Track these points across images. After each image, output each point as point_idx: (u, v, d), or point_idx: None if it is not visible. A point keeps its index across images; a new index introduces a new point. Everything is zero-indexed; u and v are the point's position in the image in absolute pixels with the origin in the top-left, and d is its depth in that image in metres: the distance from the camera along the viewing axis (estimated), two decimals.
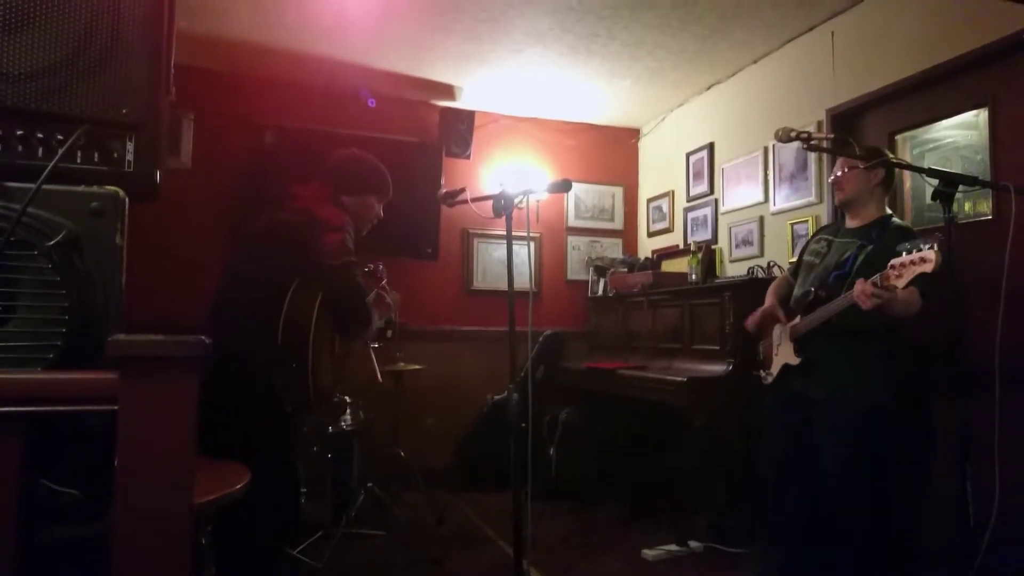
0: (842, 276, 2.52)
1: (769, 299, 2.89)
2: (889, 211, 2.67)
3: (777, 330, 2.79)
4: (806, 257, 2.82)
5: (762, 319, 2.80)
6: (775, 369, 2.76)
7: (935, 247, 2.08)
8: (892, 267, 2.17)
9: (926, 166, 2.31)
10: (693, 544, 3.38)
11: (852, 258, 2.54)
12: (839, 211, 2.90)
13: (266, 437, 2.22)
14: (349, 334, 2.56)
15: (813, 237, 2.89)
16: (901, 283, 2.14)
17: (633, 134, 5.58)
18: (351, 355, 2.84)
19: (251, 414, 2.16)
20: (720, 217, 4.51)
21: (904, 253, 2.15)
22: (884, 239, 2.49)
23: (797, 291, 2.77)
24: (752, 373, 2.98)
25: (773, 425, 2.81)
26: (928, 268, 2.07)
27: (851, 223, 2.69)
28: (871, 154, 2.59)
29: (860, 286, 2.26)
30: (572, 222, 5.42)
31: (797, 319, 2.66)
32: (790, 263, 3.65)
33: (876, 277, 2.23)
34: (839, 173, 2.66)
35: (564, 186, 2.25)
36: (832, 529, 2.53)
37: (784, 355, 2.70)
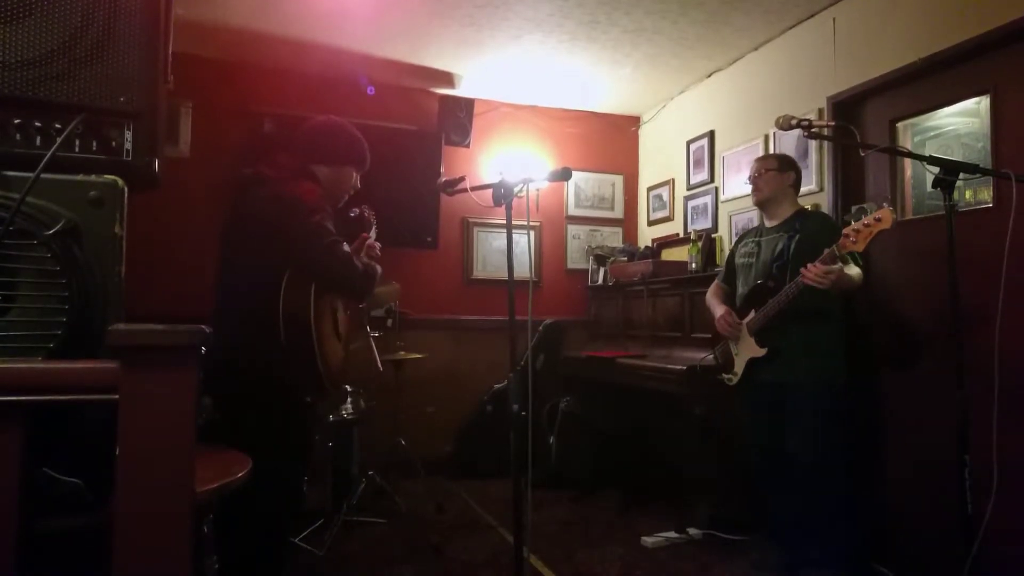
0: (783, 265, 2.70)
1: (716, 304, 3.03)
2: (801, 205, 2.93)
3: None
4: (738, 260, 3.00)
5: (732, 321, 2.88)
6: (739, 367, 2.85)
7: (886, 206, 2.26)
8: (846, 235, 2.32)
9: (927, 154, 2.30)
10: (692, 531, 3.40)
11: (786, 248, 2.74)
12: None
13: (283, 427, 2.21)
14: (355, 302, 2.53)
15: (739, 242, 3.08)
16: (860, 247, 2.31)
17: (633, 122, 5.55)
18: (357, 326, 2.80)
19: (267, 406, 2.14)
20: (720, 205, 4.50)
21: (853, 221, 2.31)
22: (807, 226, 2.74)
23: (742, 289, 2.92)
24: (716, 377, 3.06)
25: (750, 420, 2.94)
26: (885, 226, 2.24)
27: (771, 223, 2.92)
28: (783, 162, 2.89)
29: (812, 270, 2.43)
30: (572, 211, 5.41)
31: (751, 314, 2.77)
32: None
33: (832, 247, 2.39)
34: (755, 176, 2.90)
35: (564, 175, 2.24)
36: (817, 514, 2.61)
37: (747, 350, 2.79)
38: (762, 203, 2.93)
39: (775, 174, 2.85)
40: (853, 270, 2.56)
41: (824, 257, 2.42)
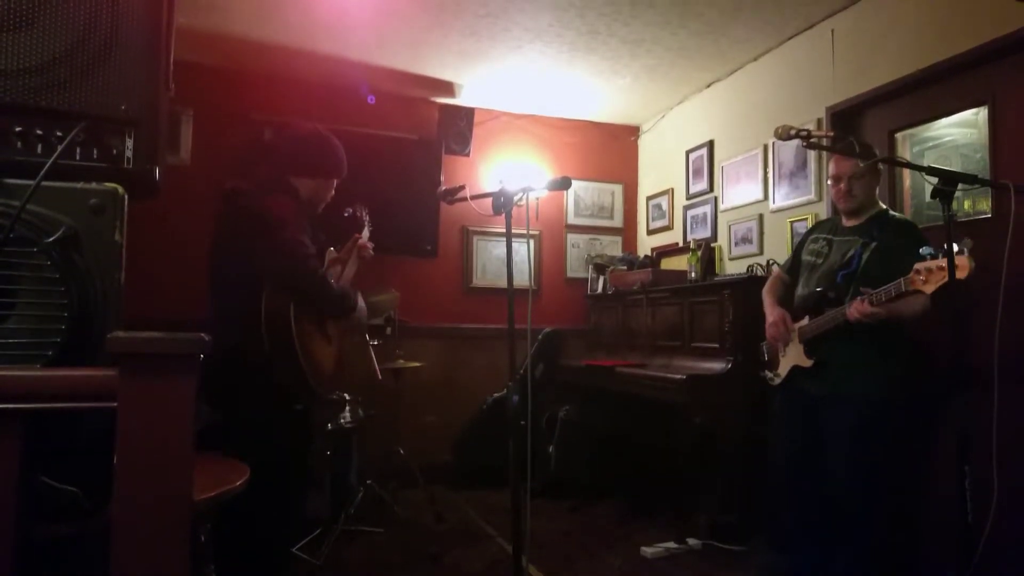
0: (850, 275, 2.51)
1: (770, 305, 2.84)
2: (883, 205, 2.68)
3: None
4: (805, 256, 2.80)
5: (785, 329, 2.70)
6: (783, 371, 2.74)
7: (967, 252, 2.00)
8: (918, 272, 2.14)
9: (925, 164, 2.30)
10: (692, 542, 3.39)
11: (857, 256, 2.54)
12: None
13: (277, 435, 2.22)
14: (338, 319, 2.53)
15: (810, 236, 2.86)
16: (929, 288, 2.12)
17: (633, 131, 5.57)
18: (352, 332, 2.79)
19: (260, 411, 2.16)
20: (719, 215, 4.51)
21: (929, 257, 2.11)
22: (886, 235, 2.50)
23: (801, 290, 2.75)
24: (758, 373, 2.95)
25: (782, 426, 2.79)
26: (962, 275, 2.00)
27: (849, 221, 2.68)
28: (865, 151, 2.51)
29: (856, 307, 2.29)
30: (572, 220, 5.42)
31: (805, 320, 2.63)
32: (774, 264, 3.67)
33: (899, 281, 2.20)
34: (843, 186, 2.60)
35: (564, 183, 2.25)
36: (835, 528, 2.53)
37: (793, 357, 2.67)
38: (855, 209, 2.65)
39: (869, 180, 2.60)
40: (915, 302, 2.33)
41: (887, 289, 2.24)
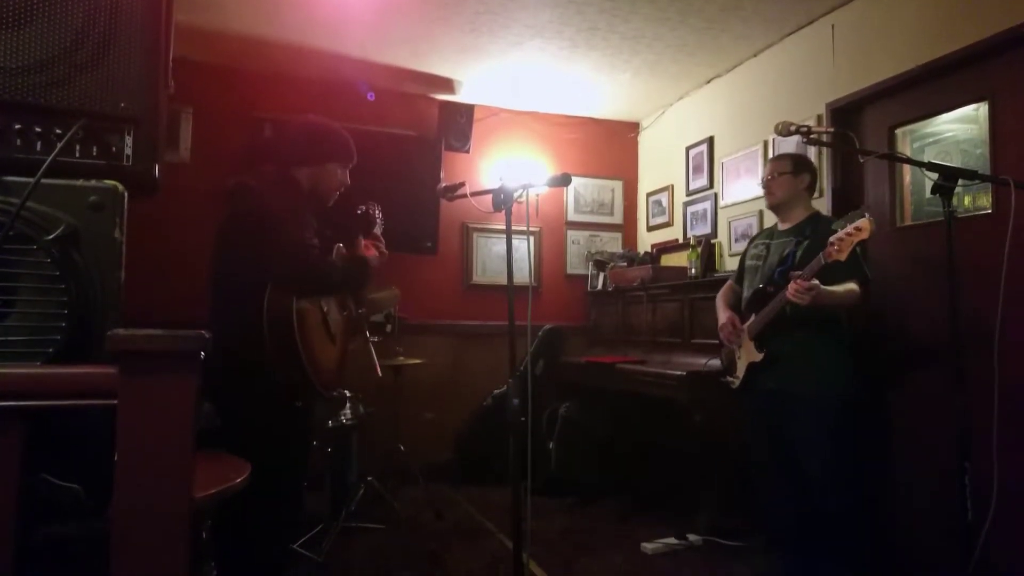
0: (786, 271, 2.63)
1: (722, 310, 3.00)
2: (816, 208, 2.87)
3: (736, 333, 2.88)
4: (748, 262, 2.96)
5: (734, 330, 2.86)
6: (741, 371, 2.83)
7: (867, 215, 2.26)
8: (831, 243, 2.31)
9: (926, 160, 2.31)
10: (692, 538, 3.39)
11: (792, 254, 2.69)
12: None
13: (280, 432, 2.22)
14: (349, 297, 2.54)
15: (751, 243, 3.04)
16: (843, 256, 2.30)
17: (633, 128, 5.56)
18: (354, 328, 2.79)
19: (260, 411, 2.15)
20: (720, 211, 4.51)
21: (839, 229, 2.32)
22: (818, 232, 2.65)
23: (746, 293, 2.89)
24: (720, 380, 3.04)
25: (750, 427, 2.91)
26: (864, 235, 2.25)
27: (783, 225, 2.86)
28: (798, 164, 2.81)
29: (792, 286, 2.43)
30: (572, 216, 5.41)
31: (752, 318, 2.76)
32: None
33: (819, 256, 2.37)
34: (768, 178, 2.83)
35: (563, 180, 2.24)
36: (818, 520, 2.58)
37: (747, 355, 2.79)
38: (775, 207, 2.87)
39: (789, 177, 2.78)
40: (844, 287, 2.50)
41: (811, 266, 2.40)
